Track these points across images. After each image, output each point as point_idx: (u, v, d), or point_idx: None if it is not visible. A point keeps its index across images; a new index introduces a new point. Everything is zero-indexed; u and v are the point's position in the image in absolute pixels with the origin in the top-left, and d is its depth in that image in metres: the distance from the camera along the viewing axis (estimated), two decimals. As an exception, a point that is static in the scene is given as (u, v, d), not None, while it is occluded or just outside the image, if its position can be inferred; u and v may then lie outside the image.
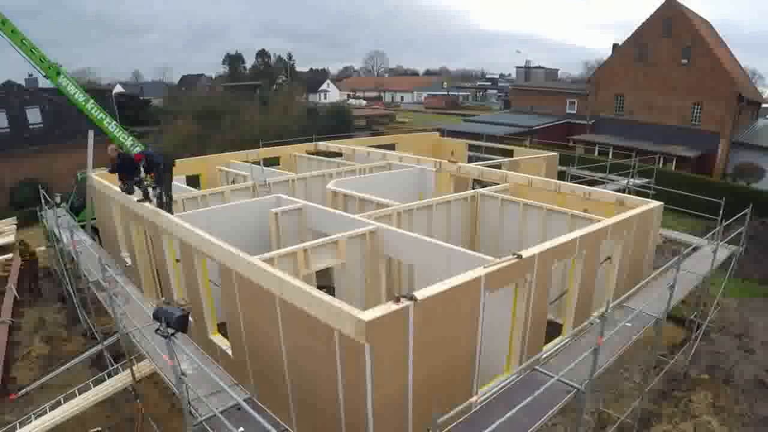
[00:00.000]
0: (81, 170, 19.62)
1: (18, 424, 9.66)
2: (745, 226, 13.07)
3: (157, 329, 6.40)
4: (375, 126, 56.96)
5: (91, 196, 16.65)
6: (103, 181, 13.70)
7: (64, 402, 9.95)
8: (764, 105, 46.73)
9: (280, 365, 6.95)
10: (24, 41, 19.47)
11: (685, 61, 34.86)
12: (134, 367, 9.63)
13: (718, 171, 33.50)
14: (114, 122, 22.47)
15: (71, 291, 15.32)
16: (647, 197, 14.12)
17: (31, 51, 19.77)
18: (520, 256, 7.19)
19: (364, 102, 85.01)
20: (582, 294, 9.36)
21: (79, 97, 21.58)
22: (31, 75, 39.65)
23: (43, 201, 17.51)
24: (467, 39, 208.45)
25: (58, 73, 20.82)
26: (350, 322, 5.42)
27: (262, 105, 45.82)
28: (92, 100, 22.32)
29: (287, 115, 42.30)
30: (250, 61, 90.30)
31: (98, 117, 21.87)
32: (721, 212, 13.57)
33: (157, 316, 6.38)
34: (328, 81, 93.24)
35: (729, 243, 13.41)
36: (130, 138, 22.90)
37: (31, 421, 9.57)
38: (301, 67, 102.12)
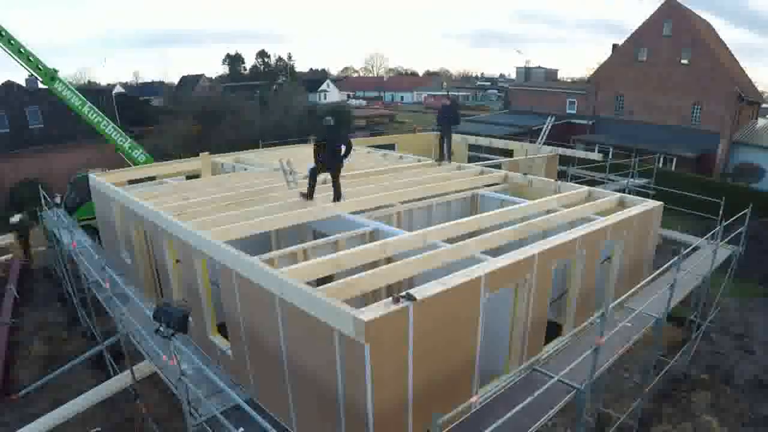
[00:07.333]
0: (80, 170, 19.66)
1: (18, 425, 9.66)
2: (744, 227, 13.06)
3: (157, 330, 6.40)
4: (375, 126, 57.01)
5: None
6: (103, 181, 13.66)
7: (64, 402, 9.95)
8: (764, 105, 46.71)
9: (280, 365, 6.95)
10: (12, 42, 19.21)
11: (685, 61, 34.85)
12: (134, 367, 9.62)
13: (718, 171, 33.48)
14: (111, 125, 22.40)
15: (71, 291, 15.31)
16: (647, 197, 14.11)
17: (20, 51, 19.55)
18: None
19: (364, 102, 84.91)
20: (582, 294, 9.36)
21: (75, 101, 21.39)
22: (31, 75, 39.53)
23: (42, 201, 17.51)
24: (468, 39, 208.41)
25: (53, 78, 20.72)
26: (350, 322, 5.42)
27: (262, 105, 45.82)
28: (89, 104, 22.10)
29: (287, 115, 42.32)
30: (250, 62, 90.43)
31: (95, 120, 21.76)
32: (720, 212, 13.56)
33: (157, 317, 6.38)
34: (328, 81, 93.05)
35: (729, 243, 13.40)
36: (129, 141, 22.90)
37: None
38: (301, 67, 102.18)
